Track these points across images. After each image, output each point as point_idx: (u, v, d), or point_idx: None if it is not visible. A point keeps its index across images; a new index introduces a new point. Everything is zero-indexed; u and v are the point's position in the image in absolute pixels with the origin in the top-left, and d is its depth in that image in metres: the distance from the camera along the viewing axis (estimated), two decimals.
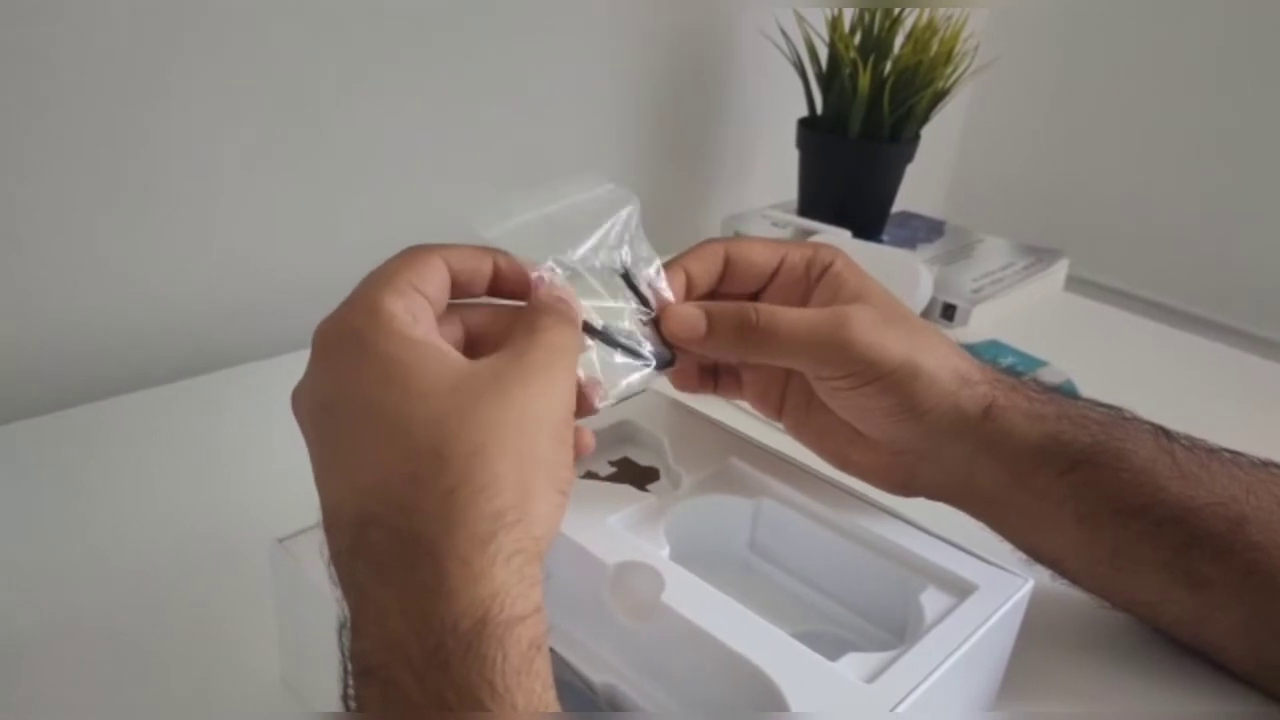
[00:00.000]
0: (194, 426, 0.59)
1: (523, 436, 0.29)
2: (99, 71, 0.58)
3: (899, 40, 0.84)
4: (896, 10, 0.84)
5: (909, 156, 0.90)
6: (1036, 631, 0.39)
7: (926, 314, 0.81)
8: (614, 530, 0.37)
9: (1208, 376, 0.77)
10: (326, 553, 0.30)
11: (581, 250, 0.36)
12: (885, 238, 0.93)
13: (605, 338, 0.36)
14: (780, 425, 0.44)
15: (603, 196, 0.38)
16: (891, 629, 0.38)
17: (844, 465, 0.43)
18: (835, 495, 0.40)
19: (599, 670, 0.34)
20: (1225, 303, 1.13)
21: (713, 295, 0.41)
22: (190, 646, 0.42)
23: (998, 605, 0.35)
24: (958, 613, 0.35)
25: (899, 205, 0.95)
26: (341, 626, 0.29)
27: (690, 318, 0.38)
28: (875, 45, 0.84)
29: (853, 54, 0.83)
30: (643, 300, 0.38)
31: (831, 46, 0.85)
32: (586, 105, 0.87)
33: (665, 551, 0.36)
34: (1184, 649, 0.43)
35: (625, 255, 0.37)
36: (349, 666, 0.28)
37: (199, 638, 0.42)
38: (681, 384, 0.43)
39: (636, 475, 0.42)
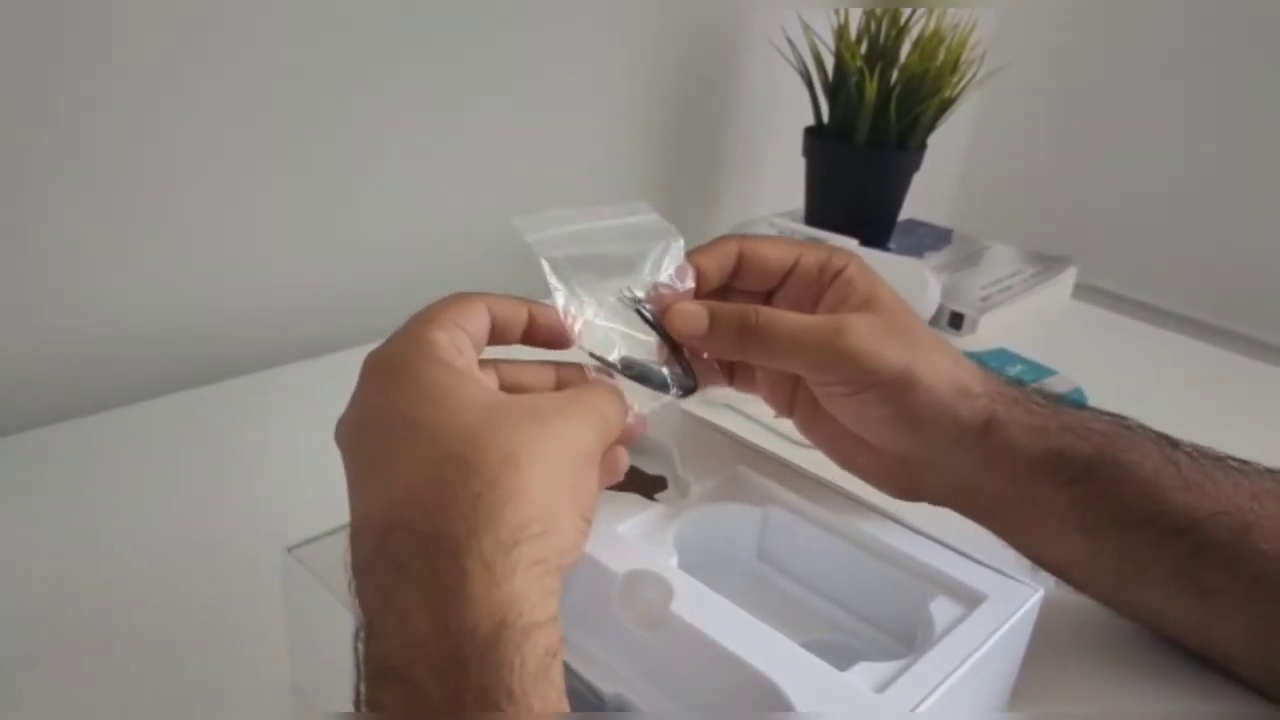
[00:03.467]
0: (204, 435, 0.59)
1: (552, 455, 0.30)
2: (106, 81, 0.59)
3: (905, 48, 0.85)
4: (903, 19, 0.84)
5: (916, 164, 0.90)
6: (1047, 641, 0.39)
7: (934, 322, 0.81)
8: (622, 539, 0.37)
9: (1217, 384, 0.77)
10: (349, 562, 0.30)
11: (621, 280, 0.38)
12: (892, 246, 0.93)
13: (629, 370, 0.37)
14: (790, 420, 0.44)
15: (645, 224, 0.39)
16: (901, 638, 0.38)
17: (849, 467, 0.43)
18: (844, 504, 0.40)
19: (608, 680, 0.34)
20: (1234, 309, 1.13)
21: (724, 292, 0.41)
22: (201, 654, 0.42)
23: (1008, 614, 0.35)
24: (968, 622, 0.35)
25: (906, 213, 0.95)
26: (358, 632, 0.29)
27: (693, 315, 0.39)
28: (882, 53, 0.84)
29: (859, 62, 0.83)
30: (658, 329, 0.38)
31: (838, 55, 0.85)
32: (593, 113, 0.87)
33: (674, 560, 0.36)
34: (1192, 656, 0.43)
35: (642, 288, 0.38)
36: (364, 670, 0.28)
37: (209, 645, 0.43)
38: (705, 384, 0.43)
39: (644, 484, 0.42)
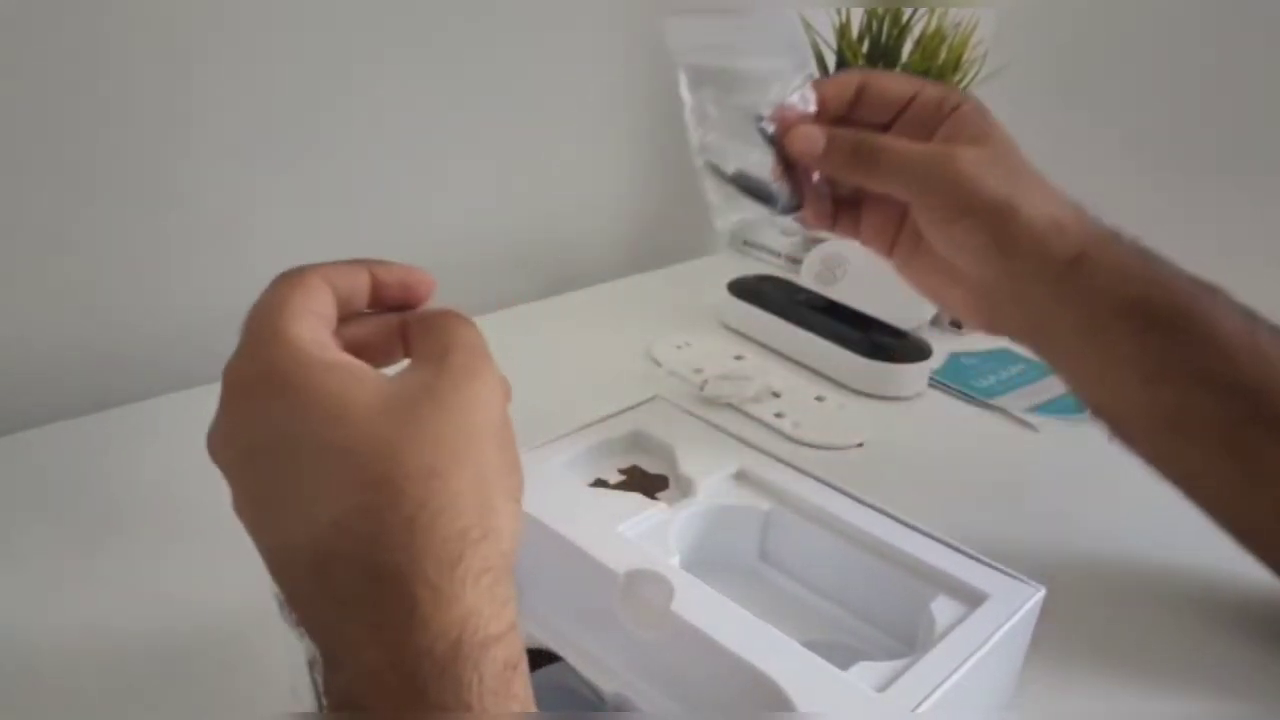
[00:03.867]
0: (204, 435, 0.59)
1: (471, 449, 0.28)
2: (105, 82, 0.59)
3: (907, 48, 0.84)
4: (904, 18, 0.84)
5: None
6: (1048, 640, 0.39)
7: (935, 324, 0.81)
8: (624, 538, 0.37)
9: None
10: (279, 595, 0.29)
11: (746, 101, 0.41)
12: None
13: (741, 182, 0.40)
14: (890, 261, 0.47)
15: (784, 39, 0.42)
16: (902, 638, 0.38)
17: (939, 298, 0.47)
18: (845, 504, 0.40)
19: (609, 679, 0.34)
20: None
21: (842, 122, 0.44)
22: (200, 655, 0.42)
23: (1009, 614, 0.35)
24: (969, 621, 0.35)
25: None
26: (312, 662, 0.28)
27: (811, 136, 0.42)
28: (883, 53, 0.84)
29: (861, 61, 0.83)
30: (775, 147, 0.41)
31: (839, 54, 0.85)
32: (593, 113, 0.87)
33: (675, 560, 0.36)
34: (1192, 655, 0.43)
35: (767, 106, 0.41)
36: (325, 700, 0.27)
37: (208, 646, 0.43)
38: (811, 218, 0.46)
39: (646, 483, 0.42)
